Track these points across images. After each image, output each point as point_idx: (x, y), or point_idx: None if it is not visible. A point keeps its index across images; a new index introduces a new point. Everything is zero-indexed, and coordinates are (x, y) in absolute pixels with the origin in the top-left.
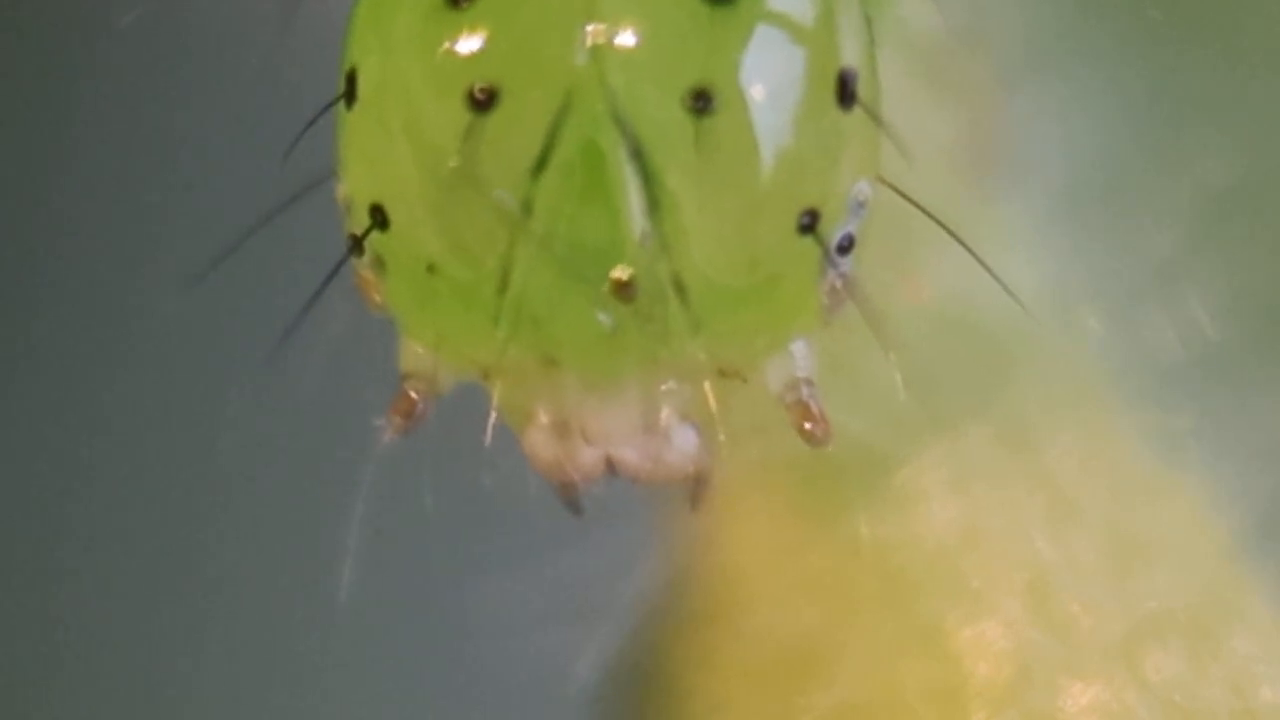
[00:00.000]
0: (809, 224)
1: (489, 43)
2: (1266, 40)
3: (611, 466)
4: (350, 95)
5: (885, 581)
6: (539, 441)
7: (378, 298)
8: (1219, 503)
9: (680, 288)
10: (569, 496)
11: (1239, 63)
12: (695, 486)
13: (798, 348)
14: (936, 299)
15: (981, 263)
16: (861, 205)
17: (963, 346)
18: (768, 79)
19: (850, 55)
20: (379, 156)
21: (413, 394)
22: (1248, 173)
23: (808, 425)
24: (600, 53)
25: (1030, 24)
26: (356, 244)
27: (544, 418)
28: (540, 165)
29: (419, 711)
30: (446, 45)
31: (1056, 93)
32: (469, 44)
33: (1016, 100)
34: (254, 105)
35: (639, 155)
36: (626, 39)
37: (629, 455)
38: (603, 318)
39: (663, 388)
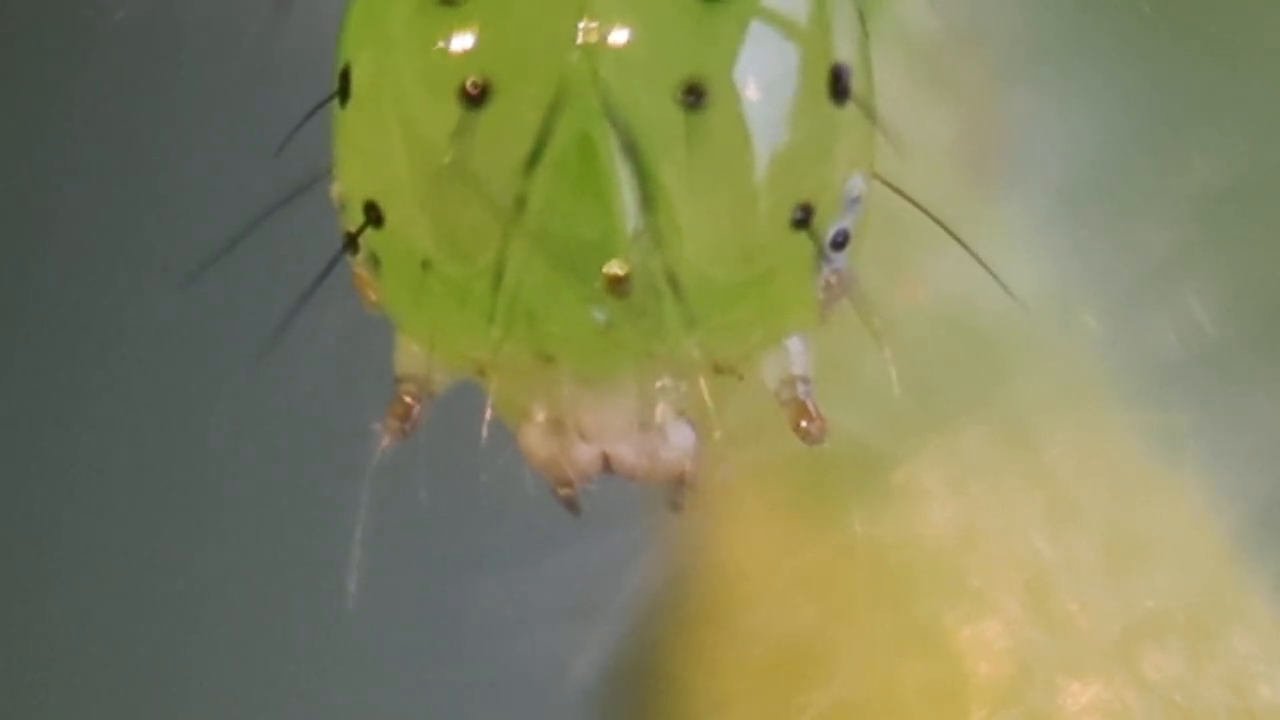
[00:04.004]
0: (803, 219)
1: (481, 39)
2: (1266, 40)
3: (607, 464)
4: (344, 92)
5: (883, 580)
6: (535, 439)
7: (373, 295)
8: (1218, 502)
9: (674, 283)
10: (566, 495)
11: (1239, 62)
12: (675, 488)
13: (794, 344)
14: (934, 298)
15: (979, 260)
16: (856, 201)
17: (961, 346)
18: (760, 73)
19: (844, 50)
20: (373, 153)
21: (408, 398)
22: (1248, 173)
23: (804, 423)
24: (593, 48)
25: (1029, 23)
26: (351, 241)
27: (539, 415)
28: (533, 161)
29: (418, 710)
30: (439, 42)
31: (1056, 92)
32: (462, 40)
33: (1016, 99)
34: (248, 103)
35: (632, 150)
36: (619, 34)
37: (624, 452)
38: (597, 313)
39: (658, 384)
